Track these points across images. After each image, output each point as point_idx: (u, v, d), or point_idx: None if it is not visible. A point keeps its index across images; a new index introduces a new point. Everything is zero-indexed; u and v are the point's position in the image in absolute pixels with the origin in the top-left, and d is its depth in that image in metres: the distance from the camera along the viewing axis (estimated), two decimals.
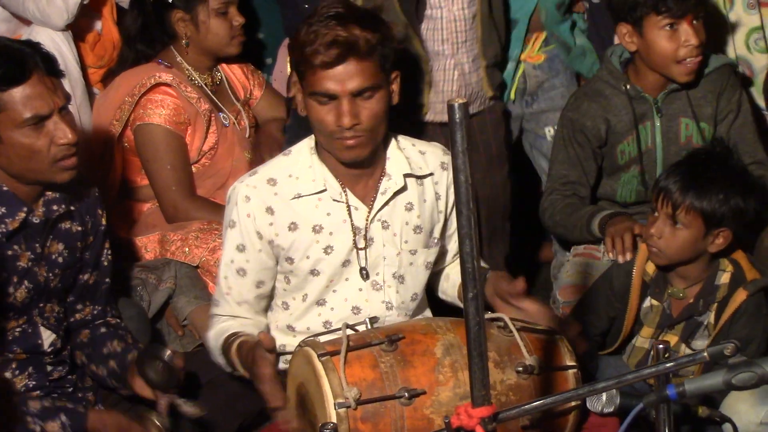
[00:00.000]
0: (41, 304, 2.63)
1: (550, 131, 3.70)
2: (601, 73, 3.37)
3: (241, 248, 2.66)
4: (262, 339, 2.47)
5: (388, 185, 2.65)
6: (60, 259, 2.58)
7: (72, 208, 2.59)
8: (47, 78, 2.49)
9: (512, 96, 3.66)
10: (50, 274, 2.56)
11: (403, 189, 2.68)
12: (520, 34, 3.59)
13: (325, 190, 2.62)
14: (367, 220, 2.66)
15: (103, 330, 2.80)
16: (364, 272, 2.67)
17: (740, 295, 2.92)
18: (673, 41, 3.16)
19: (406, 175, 2.66)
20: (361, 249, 2.67)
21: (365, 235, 2.66)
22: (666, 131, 3.32)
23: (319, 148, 2.63)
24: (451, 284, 2.85)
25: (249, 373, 2.54)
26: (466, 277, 1.69)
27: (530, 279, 3.50)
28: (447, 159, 2.72)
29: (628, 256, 3.06)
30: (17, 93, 2.44)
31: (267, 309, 2.77)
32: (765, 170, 3.35)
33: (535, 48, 3.68)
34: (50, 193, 2.55)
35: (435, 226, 2.75)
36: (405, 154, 2.67)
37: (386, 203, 2.66)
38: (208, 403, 2.74)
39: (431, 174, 2.73)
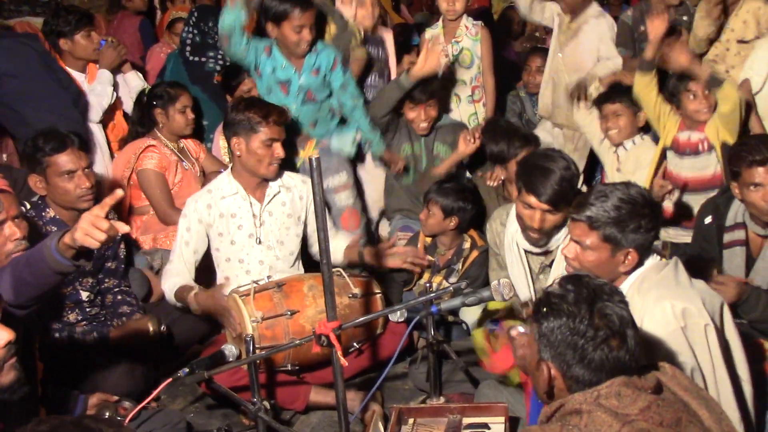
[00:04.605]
0: (80, 279, 3.55)
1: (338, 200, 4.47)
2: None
3: (188, 229, 3.69)
4: (224, 284, 3.42)
5: (271, 191, 3.74)
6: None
7: None
8: (79, 150, 3.45)
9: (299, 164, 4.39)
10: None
11: (279, 193, 3.75)
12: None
13: (237, 193, 3.65)
14: (260, 210, 3.71)
15: (119, 297, 3.70)
16: (259, 240, 3.71)
17: (474, 254, 4.09)
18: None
19: (280, 186, 3.75)
20: (258, 227, 3.69)
21: (260, 219, 3.69)
22: (427, 150, 4.56)
23: (235, 174, 3.65)
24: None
25: (206, 308, 3.39)
26: (321, 252, 2.40)
27: None
28: (304, 178, 3.80)
29: None
30: (60, 157, 3.40)
31: (192, 274, 3.67)
32: None
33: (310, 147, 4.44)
34: None
35: (299, 213, 3.80)
36: (279, 174, 3.76)
37: (270, 201, 3.73)
38: (178, 329, 3.67)
39: (296, 186, 3.81)
